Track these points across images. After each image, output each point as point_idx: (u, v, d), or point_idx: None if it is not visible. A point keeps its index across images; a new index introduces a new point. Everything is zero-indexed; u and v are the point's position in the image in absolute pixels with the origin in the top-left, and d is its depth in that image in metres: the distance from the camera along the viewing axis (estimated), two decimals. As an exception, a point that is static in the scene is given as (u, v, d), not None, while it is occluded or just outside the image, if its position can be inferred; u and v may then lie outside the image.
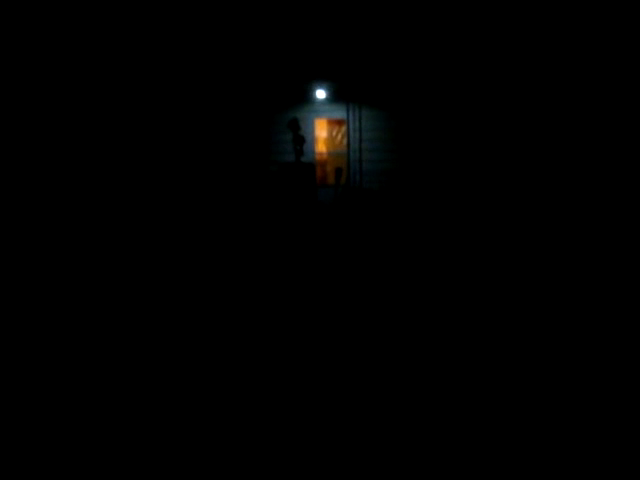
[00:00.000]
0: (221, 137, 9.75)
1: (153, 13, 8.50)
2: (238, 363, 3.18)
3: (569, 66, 7.94)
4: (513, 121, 8.36)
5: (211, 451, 2.20)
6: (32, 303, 4.40)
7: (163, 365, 3.16)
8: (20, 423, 2.45)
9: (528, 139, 8.29)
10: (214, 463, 2.12)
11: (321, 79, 9.12)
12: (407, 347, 3.44)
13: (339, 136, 9.58)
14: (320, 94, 9.11)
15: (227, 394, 2.77)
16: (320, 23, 8.60)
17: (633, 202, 7.17)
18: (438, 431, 2.33)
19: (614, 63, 7.62)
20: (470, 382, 2.87)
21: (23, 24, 8.05)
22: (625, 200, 7.30)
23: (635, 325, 3.66)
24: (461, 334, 3.63)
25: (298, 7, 8.45)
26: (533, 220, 7.54)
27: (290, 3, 8.42)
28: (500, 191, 8.34)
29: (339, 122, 9.48)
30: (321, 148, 9.70)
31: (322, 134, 9.71)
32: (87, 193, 8.20)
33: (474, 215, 8.10)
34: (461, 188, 8.62)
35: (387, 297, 4.61)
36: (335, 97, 9.15)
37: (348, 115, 9.09)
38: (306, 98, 9.31)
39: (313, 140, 9.34)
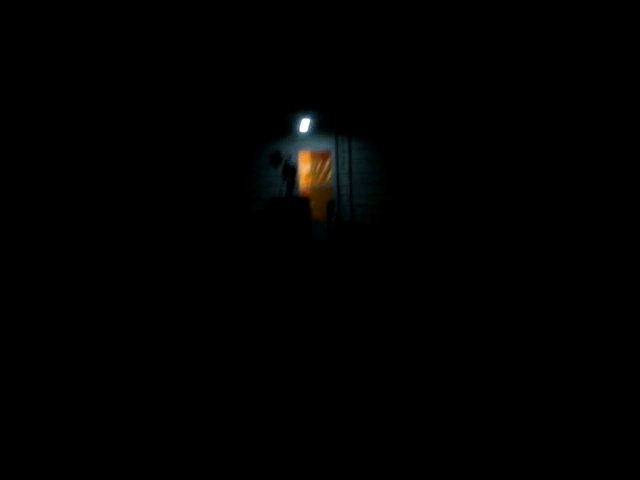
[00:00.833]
0: (195, 175, 8.67)
1: (127, 42, 7.50)
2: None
3: (562, 78, 8.07)
4: (507, 151, 8.26)
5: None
6: (32, 303, 4.36)
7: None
8: (20, 423, 2.40)
9: (523, 171, 8.20)
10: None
11: (306, 108, 8.50)
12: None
13: (324, 169, 8.91)
14: (304, 124, 8.46)
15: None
16: (306, 47, 8.07)
17: (633, 204, 7.17)
18: (438, 431, 2.29)
19: (614, 64, 7.84)
20: (471, 386, 2.82)
21: (23, 24, 7.08)
22: (625, 203, 7.29)
23: (635, 325, 3.70)
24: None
25: (282, 32, 7.87)
26: (530, 244, 7.30)
27: (273, 28, 7.81)
28: (498, 223, 8.08)
29: (323, 155, 8.84)
30: (305, 182, 8.95)
31: (306, 167, 8.98)
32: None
33: (472, 249, 7.72)
34: (457, 219, 8.25)
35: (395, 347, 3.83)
36: (321, 128, 8.55)
37: (337, 147, 8.48)
38: (289, 129, 8.61)
39: (297, 174, 8.59)
